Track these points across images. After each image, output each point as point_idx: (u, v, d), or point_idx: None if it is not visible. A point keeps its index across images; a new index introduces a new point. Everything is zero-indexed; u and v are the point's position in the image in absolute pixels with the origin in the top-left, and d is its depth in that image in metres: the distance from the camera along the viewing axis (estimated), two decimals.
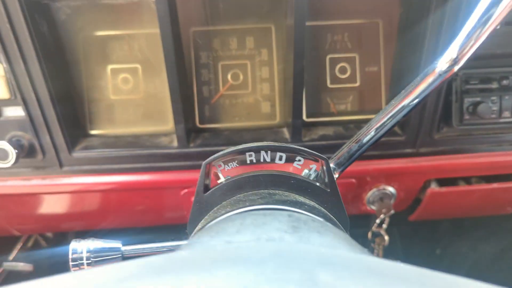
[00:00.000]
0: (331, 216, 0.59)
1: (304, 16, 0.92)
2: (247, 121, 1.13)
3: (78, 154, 1.05)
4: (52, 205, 1.17)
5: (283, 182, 0.62)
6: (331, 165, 0.69)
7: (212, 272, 0.29)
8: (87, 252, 0.63)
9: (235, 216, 0.49)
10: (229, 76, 1.11)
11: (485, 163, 1.13)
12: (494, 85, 1.03)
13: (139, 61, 1.07)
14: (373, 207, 1.28)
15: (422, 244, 2.05)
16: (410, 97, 0.63)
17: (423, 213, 1.32)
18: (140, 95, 1.09)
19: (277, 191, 0.61)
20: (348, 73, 1.12)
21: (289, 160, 0.66)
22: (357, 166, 1.13)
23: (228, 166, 0.65)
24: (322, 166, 0.65)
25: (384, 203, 1.26)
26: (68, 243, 0.64)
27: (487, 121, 1.05)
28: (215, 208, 0.62)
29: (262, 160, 0.65)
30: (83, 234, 1.78)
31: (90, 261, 0.62)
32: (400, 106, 0.65)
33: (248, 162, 0.65)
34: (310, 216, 0.49)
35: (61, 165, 1.07)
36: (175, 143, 1.06)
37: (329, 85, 1.13)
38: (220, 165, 0.65)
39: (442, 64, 0.57)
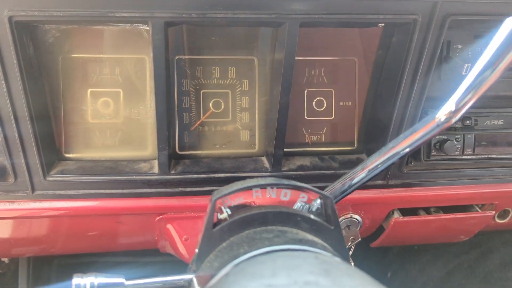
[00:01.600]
0: (336, 253, 0.62)
1: (294, 52, 0.96)
2: (227, 149, 1.14)
3: (53, 178, 1.01)
4: (18, 230, 1.11)
5: (290, 219, 0.64)
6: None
7: None
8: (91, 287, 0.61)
9: (263, 257, 0.50)
10: (210, 104, 1.12)
11: (445, 195, 1.22)
12: (458, 125, 1.12)
13: (121, 85, 1.06)
14: None
15: (373, 267, 2.14)
16: (405, 144, 0.68)
17: (385, 240, 1.38)
18: (120, 120, 1.08)
19: (285, 228, 0.63)
20: (324, 107, 1.17)
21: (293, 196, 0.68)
22: None
23: (235, 201, 0.67)
24: (325, 203, 0.68)
25: (351, 231, 1.31)
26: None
27: (451, 157, 1.13)
28: (224, 244, 0.63)
29: (267, 196, 0.67)
30: (40, 259, 1.69)
31: None
32: (395, 151, 0.69)
33: (254, 197, 0.66)
34: (333, 257, 0.52)
35: (33, 190, 1.02)
36: (156, 170, 1.05)
37: (306, 117, 1.17)
38: (226, 200, 0.67)
39: (441, 115, 0.62)
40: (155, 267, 1.79)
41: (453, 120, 0.63)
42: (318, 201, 0.71)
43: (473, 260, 1.92)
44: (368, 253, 2.10)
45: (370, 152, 1.19)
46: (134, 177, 1.05)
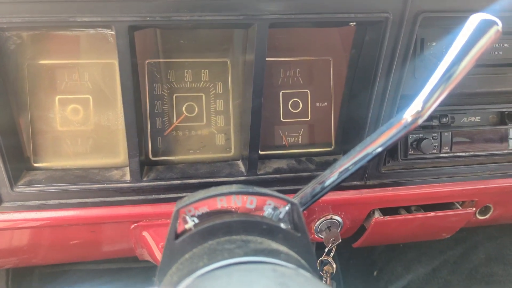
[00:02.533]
0: (303, 262, 0.60)
1: (264, 54, 0.94)
2: (202, 154, 1.12)
3: (21, 189, 0.99)
4: None
5: (255, 227, 0.62)
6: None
7: None
8: None
9: (220, 272, 0.48)
10: (183, 108, 1.10)
11: (425, 194, 1.21)
12: (435, 123, 1.11)
13: (90, 91, 1.03)
14: (321, 236, 1.31)
15: (359, 266, 2.13)
16: (374, 145, 0.66)
17: (367, 240, 1.37)
18: (91, 127, 1.05)
19: (250, 237, 0.61)
20: (300, 108, 1.15)
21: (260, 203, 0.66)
22: None
23: (199, 211, 0.64)
24: (292, 209, 0.66)
25: (332, 232, 1.29)
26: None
27: (429, 155, 1.12)
28: (186, 256, 0.61)
29: (233, 205, 0.65)
30: (21, 269, 1.65)
31: None
32: (364, 153, 0.68)
33: (219, 206, 0.64)
34: (292, 269, 0.50)
35: (0, 201, 0.99)
36: (128, 177, 1.03)
37: (282, 119, 1.15)
38: (190, 210, 0.64)
39: (407, 116, 0.61)
40: (138, 273, 1.77)
41: (420, 121, 0.61)
42: (287, 207, 0.69)
43: (458, 256, 1.92)
44: (353, 252, 2.10)
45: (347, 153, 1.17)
46: (105, 185, 1.02)
